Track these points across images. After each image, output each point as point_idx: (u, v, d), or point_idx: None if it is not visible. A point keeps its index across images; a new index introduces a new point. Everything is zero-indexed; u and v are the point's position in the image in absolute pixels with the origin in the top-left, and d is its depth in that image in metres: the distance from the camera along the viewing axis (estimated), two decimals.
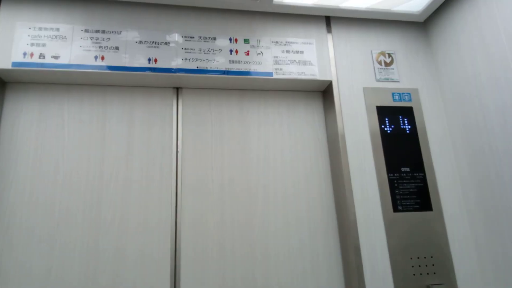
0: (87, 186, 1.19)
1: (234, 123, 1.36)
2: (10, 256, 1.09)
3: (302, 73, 1.34)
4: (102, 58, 1.21)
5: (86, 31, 1.22)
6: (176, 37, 1.28)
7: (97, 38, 1.22)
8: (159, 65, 1.24)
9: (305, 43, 1.37)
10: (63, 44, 1.20)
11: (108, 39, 1.23)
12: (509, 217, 1.12)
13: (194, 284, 1.16)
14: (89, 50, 1.20)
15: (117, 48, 1.22)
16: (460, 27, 1.32)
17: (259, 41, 1.34)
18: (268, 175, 1.32)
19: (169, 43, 1.26)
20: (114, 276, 1.13)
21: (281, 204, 1.30)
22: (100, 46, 1.22)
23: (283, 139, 1.38)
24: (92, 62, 1.19)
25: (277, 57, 1.33)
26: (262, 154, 1.34)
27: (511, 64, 1.11)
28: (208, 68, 1.27)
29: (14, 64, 1.15)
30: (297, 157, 1.36)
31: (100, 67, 1.20)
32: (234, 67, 1.29)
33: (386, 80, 1.39)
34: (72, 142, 1.22)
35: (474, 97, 1.25)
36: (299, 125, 1.41)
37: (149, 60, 1.23)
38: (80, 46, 1.20)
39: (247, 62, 1.30)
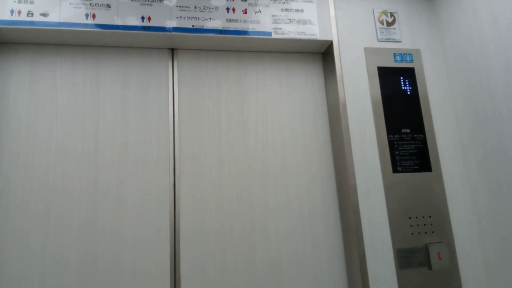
0: (83, 151, 1.17)
1: (232, 85, 1.32)
2: (6, 222, 1.08)
3: (302, 32, 1.29)
4: (94, 16, 1.15)
5: None
6: None
7: None
8: (152, 23, 1.19)
9: (305, 1, 1.32)
10: (53, 1, 1.14)
11: None
12: (510, 180, 1.12)
13: (194, 264, 1.17)
14: (79, 8, 1.15)
15: (108, 5, 1.17)
16: None
17: None
18: (267, 139, 1.31)
19: (163, 0, 1.21)
20: (111, 255, 1.13)
21: (280, 168, 1.29)
22: (91, 4, 1.16)
23: (282, 102, 1.35)
24: (83, 20, 1.14)
25: (275, 16, 1.29)
26: (260, 117, 1.32)
27: None
28: (204, 27, 1.22)
29: (1, 22, 1.10)
30: (295, 120, 1.34)
31: (92, 25, 1.15)
32: (231, 26, 1.24)
33: (388, 40, 1.35)
34: (66, 105, 1.19)
35: (477, 57, 1.22)
36: (298, 88, 1.38)
37: (142, 18, 1.18)
38: (70, 4, 1.15)
39: (244, 21, 1.26)
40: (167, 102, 1.26)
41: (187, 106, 1.27)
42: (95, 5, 1.16)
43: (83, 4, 1.16)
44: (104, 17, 1.16)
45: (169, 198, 1.19)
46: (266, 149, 1.29)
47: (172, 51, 1.30)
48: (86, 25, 1.14)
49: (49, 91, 1.19)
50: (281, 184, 1.28)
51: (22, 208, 1.10)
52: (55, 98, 1.19)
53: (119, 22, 1.17)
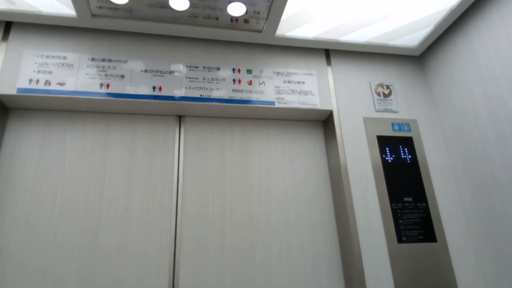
0: (86, 214, 1.16)
1: (236, 151, 1.36)
2: (2, 282, 1.04)
3: (303, 102, 1.36)
4: (108, 85, 1.22)
5: (92, 59, 1.25)
6: (180, 67, 1.31)
7: (103, 67, 1.25)
8: (163, 93, 1.25)
9: (306, 74, 1.41)
10: (70, 71, 1.22)
11: (114, 68, 1.25)
12: None
13: None
14: (95, 78, 1.22)
15: (122, 76, 1.25)
16: (456, 61, 1.37)
17: (262, 71, 1.37)
18: (270, 204, 1.31)
19: (173, 72, 1.29)
20: None
21: (283, 233, 1.27)
22: (106, 74, 1.24)
23: (285, 168, 1.38)
24: (97, 89, 1.21)
25: (278, 87, 1.36)
26: (264, 182, 1.33)
27: (508, 98, 1.14)
28: (212, 97, 1.29)
29: (19, 90, 1.16)
30: (298, 186, 1.36)
31: (105, 94, 1.21)
32: (237, 96, 1.31)
33: (386, 110, 1.42)
34: (73, 168, 1.21)
35: (473, 128, 1.28)
36: (301, 154, 1.41)
37: (154, 88, 1.25)
38: (86, 74, 1.22)
39: (249, 91, 1.33)
40: (172, 166, 1.28)
41: (191, 170, 1.29)
42: (110, 75, 1.24)
43: (99, 74, 1.23)
44: (117, 87, 1.23)
45: (169, 259, 1.15)
46: (269, 215, 1.29)
47: (180, 118, 1.36)
48: (100, 93, 1.21)
49: (58, 155, 1.22)
50: (285, 261, 1.25)
51: (21, 272, 1.06)
52: (63, 161, 1.21)
53: (131, 91, 1.23)
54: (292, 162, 1.39)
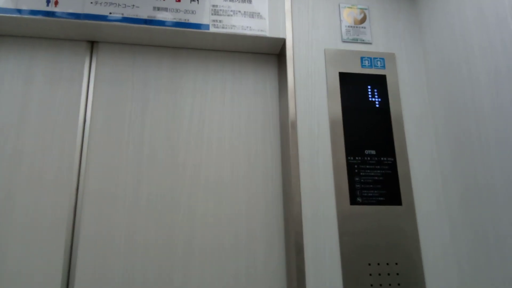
0: None
1: (162, 87, 1.10)
2: None
3: (247, 27, 1.06)
4: None
5: None
6: None
7: None
8: (60, 8, 0.98)
9: None
10: None
11: None
12: (497, 222, 0.84)
13: (93, 277, 0.92)
14: None
15: None
16: None
17: None
18: (200, 154, 1.06)
19: None
20: None
21: (214, 189, 1.04)
22: None
23: (223, 111, 1.11)
24: None
25: (216, 6, 1.06)
26: (194, 127, 1.08)
27: (509, 20, 0.82)
28: (125, 15, 1.00)
29: None
30: (239, 134, 1.10)
31: None
32: (159, 15, 1.02)
33: (355, 41, 1.11)
34: None
35: (461, 64, 0.97)
36: (246, 94, 1.14)
37: (48, 2, 0.98)
38: None
39: (176, 10, 1.04)
40: (78, 103, 1.03)
41: (102, 108, 1.04)
42: None
43: None
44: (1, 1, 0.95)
45: (67, 218, 0.95)
46: (198, 167, 1.05)
47: (92, 43, 1.09)
48: None
49: None
50: (214, 206, 1.02)
51: None
52: None
53: (18, 5, 0.96)
54: (233, 104, 1.13)
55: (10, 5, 0.96)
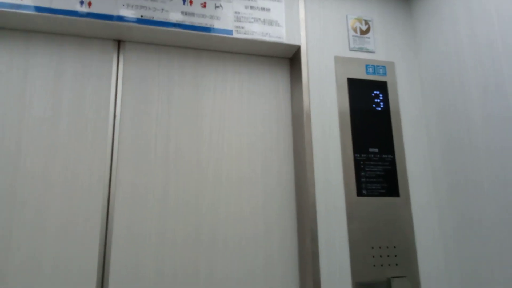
0: (1, 149, 0.99)
1: (186, 86, 1.17)
2: None
3: (266, 34, 1.16)
4: None
5: None
6: None
7: None
8: (93, 9, 1.03)
9: None
10: None
11: None
12: (480, 215, 1.01)
13: (126, 271, 1.00)
14: None
15: None
16: None
17: None
18: (222, 150, 1.16)
19: None
20: (34, 248, 0.95)
21: (234, 183, 1.14)
22: None
23: (242, 109, 1.21)
24: (13, 0, 0.97)
25: (238, 13, 1.15)
26: (215, 125, 1.17)
27: (498, 40, 0.97)
28: (155, 19, 1.07)
29: None
30: (255, 130, 1.20)
31: (24, 7, 0.98)
32: (187, 20, 1.10)
33: (361, 50, 1.24)
34: None
35: (454, 76, 1.12)
36: (262, 94, 1.24)
37: (82, 3, 1.02)
38: None
39: (203, 16, 1.11)
40: (108, 100, 1.09)
41: (131, 105, 1.11)
42: None
43: None
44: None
45: (101, 207, 1.02)
46: (219, 160, 1.15)
47: (119, 42, 1.15)
48: (17, 6, 0.97)
49: None
50: (234, 210, 1.13)
51: None
52: None
53: (53, 5, 1.00)
54: (250, 104, 1.23)
55: (46, 4, 1.00)
